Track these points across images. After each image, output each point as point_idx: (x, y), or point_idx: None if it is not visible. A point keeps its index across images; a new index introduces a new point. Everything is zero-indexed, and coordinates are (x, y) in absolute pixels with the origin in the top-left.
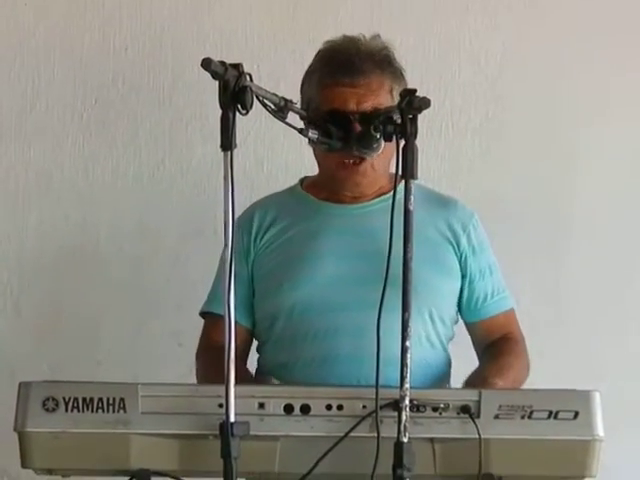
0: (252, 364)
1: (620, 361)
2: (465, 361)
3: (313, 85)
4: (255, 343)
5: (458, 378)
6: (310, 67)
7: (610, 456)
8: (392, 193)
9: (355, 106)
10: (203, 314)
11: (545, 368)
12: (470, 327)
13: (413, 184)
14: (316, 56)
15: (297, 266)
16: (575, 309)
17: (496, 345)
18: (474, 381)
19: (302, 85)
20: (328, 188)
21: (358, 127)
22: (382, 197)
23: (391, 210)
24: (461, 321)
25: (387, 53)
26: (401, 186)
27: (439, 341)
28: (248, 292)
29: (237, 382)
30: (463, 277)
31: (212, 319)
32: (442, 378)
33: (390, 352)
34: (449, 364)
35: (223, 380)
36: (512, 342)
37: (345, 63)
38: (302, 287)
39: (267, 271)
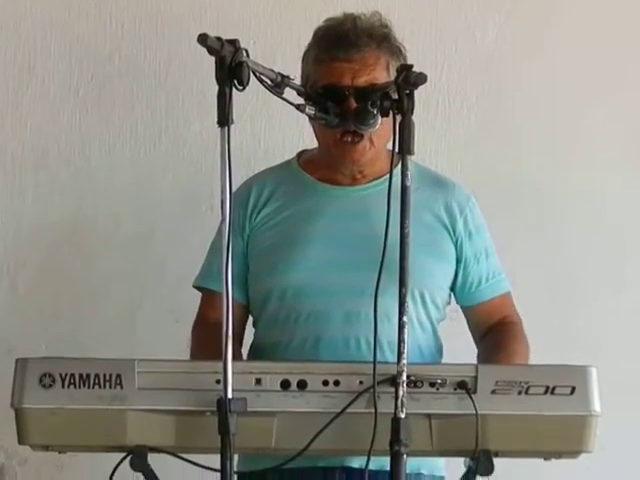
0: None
1: (616, 339)
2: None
3: (310, 61)
4: (251, 319)
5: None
6: (308, 44)
7: (606, 432)
8: (389, 175)
9: (350, 81)
10: (198, 288)
11: (542, 346)
12: (466, 311)
13: (410, 160)
14: (314, 33)
15: (291, 248)
16: (572, 287)
17: (498, 331)
18: None
19: (302, 62)
20: (326, 166)
21: (353, 103)
22: (380, 179)
23: (388, 187)
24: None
25: (385, 31)
26: (399, 166)
27: (430, 323)
28: (243, 267)
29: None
30: (458, 261)
31: (207, 295)
32: (432, 360)
33: (381, 336)
34: (440, 346)
35: (214, 356)
36: (512, 326)
37: (340, 38)
38: (295, 270)
39: (261, 251)
